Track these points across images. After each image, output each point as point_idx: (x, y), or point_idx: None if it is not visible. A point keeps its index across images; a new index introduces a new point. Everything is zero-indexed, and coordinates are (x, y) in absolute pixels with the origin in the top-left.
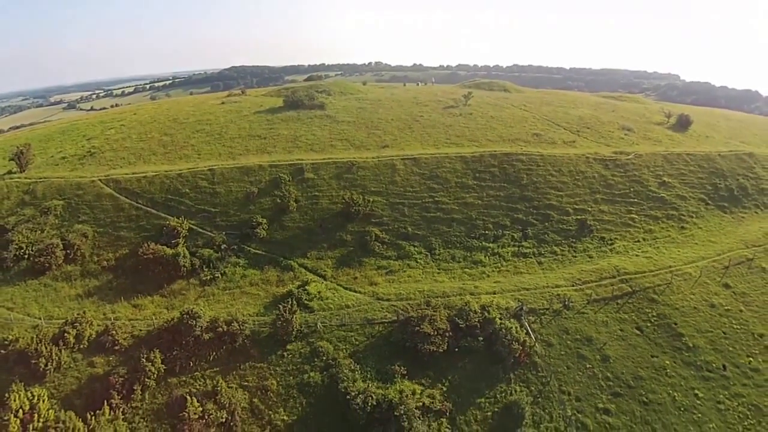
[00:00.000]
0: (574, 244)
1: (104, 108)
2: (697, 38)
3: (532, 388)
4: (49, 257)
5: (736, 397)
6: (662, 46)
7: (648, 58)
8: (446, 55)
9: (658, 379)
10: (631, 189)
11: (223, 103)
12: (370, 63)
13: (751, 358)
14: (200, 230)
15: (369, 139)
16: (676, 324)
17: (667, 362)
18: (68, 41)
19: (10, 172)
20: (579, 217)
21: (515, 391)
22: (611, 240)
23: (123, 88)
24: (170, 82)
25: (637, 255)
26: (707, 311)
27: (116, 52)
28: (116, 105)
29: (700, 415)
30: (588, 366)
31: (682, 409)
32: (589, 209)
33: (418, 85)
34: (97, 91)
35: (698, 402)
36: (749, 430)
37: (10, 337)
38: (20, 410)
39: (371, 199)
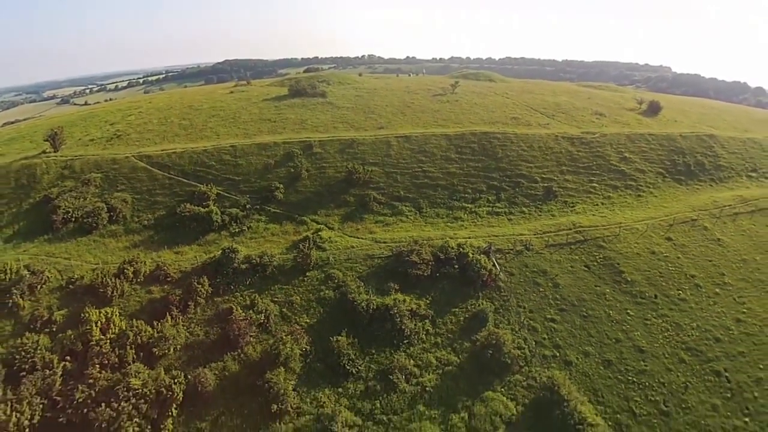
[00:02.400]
0: (540, 206)
1: (98, 102)
2: (690, 32)
3: (496, 303)
4: (95, 218)
5: (661, 317)
6: (655, 39)
7: (641, 51)
8: (439, 49)
9: (598, 301)
10: (594, 162)
11: (231, 92)
12: (363, 56)
13: (680, 291)
14: (226, 195)
15: (366, 122)
16: (618, 264)
17: (607, 290)
18: (60, 37)
19: (44, 152)
20: (546, 184)
21: (482, 304)
22: (573, 203)
23: (116, 82)
24: (163, 76)
25: (594, 215)
26: (648, 256)
27: (109, 47)
28: (110, 99)
29: (628, 326)
30: (541, 289)
31: (614, 321)
32: (555, 178)
33: (410, 76)
34: (90, 86)
35: (629, 318)
36: (667, 339)
37: (76, 275)
38: (98, 322)
39: (370, 169)
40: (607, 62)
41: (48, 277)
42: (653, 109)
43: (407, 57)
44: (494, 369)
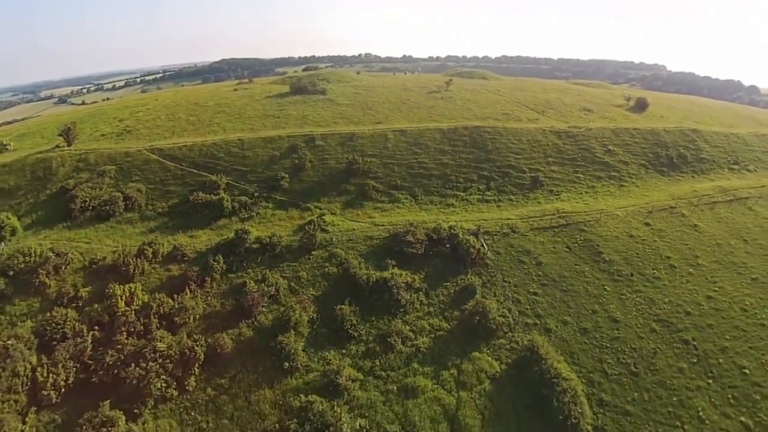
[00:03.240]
0: (527, 194)
1: (96, 102)
2: (688, 31)
3: (483, 278)
4: (112, 206)
5: (636, 292)
6: (653, 39)
7: (638, 50)
8: (436, 48)
9: (577, 278)
10: (580, 155)
11: (235, 89)
12: (360, 55)
13: (655, 271)
14: (235, 184)
15: (365, 117)
16: (598, 246)
17: (586, 269)
18: (59, 37)
19: (57, 146)
20: (533, 174)
21: (471, 279)
22: (558, 192)
23: (113, 82)
24: (161, 75)
25: (577, 202)
26: (626, 239)
27: (106, 47)
28: (108, 99)
29: (605, 300)
30: (525, 267)
31: (591, 295)
32: (542, 169)
33: (406, 74)
34: (87, 86)
35: (605, 292)
36: (641, 311)
37: (98, 256)
38: (123, 295)
39: (368, 160)
40: (604, 60)
41: (71, 258)
42: (640, 106)
43: (404, 56)
44: (481, 334)
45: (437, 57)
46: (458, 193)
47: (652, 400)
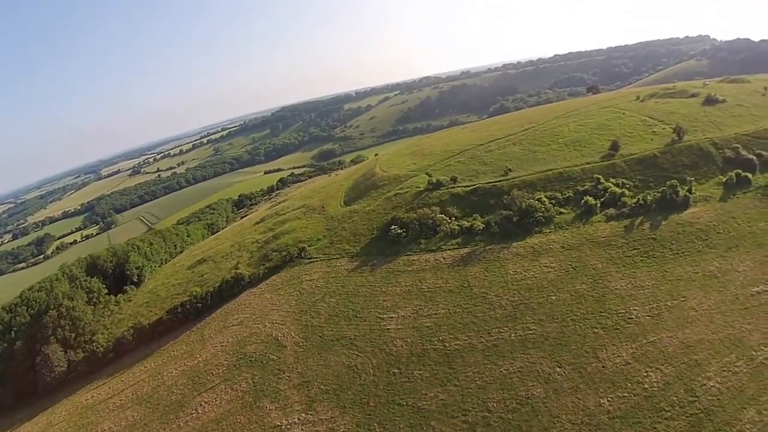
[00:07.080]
0: None
1: (171, 169)
2: None
3: None
4: None
5: None
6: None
7: (666, 24)
8: (486, 56)
9: None
10: None
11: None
12: (427, 77)
13: None
14: None
15: None
16: None
17: None
18: (100, 117)
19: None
20: None
21: None
22: None
23: (180, 146)
24: (227, 132)
25: None
26: None
27: (144, 119)
28: (182, 162)
29: None
30: None
31: None
32: None
33: None
34: (151, 155)
35: None
36: None
37: None
38: None
39: None
40: (650, 42)
41: None
42: None
43: (462, 71)
44: None
45: (496, 67)
46: None
47: None
